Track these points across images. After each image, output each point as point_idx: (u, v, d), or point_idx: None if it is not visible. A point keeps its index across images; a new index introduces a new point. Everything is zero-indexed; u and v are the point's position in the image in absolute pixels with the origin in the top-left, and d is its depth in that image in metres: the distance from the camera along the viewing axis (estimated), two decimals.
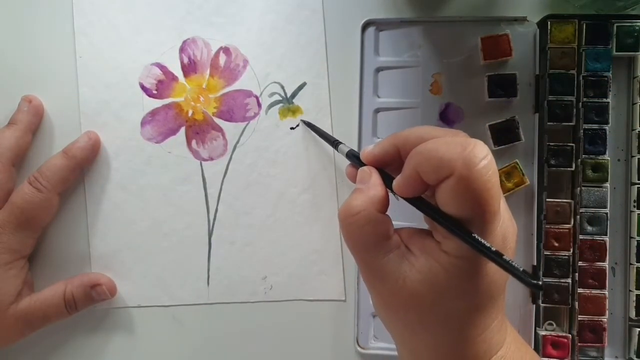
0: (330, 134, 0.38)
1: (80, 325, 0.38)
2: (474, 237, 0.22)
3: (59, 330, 0.38)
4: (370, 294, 0.27)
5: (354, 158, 0.29)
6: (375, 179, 0.26)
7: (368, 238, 0.25)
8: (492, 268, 0.24)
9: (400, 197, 0.25)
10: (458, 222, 0.23)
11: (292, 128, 0.39)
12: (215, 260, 0.39)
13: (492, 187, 0.22)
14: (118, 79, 0.39)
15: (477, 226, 0.23)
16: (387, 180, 0.26)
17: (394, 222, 0.26)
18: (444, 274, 0.24)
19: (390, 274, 0.25)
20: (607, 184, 0.35)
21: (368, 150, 0.27)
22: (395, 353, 0.37)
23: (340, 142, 0.33)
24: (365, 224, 0.25)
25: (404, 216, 0.29)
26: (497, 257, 0.21)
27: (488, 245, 0.22)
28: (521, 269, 0.21)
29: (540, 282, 0.20)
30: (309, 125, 0.38)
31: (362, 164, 0.28)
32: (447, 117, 0.38)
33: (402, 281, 0.24)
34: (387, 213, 0.26)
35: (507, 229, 0.24)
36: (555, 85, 0.35)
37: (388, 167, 0.27)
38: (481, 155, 0.22)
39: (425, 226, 0.27)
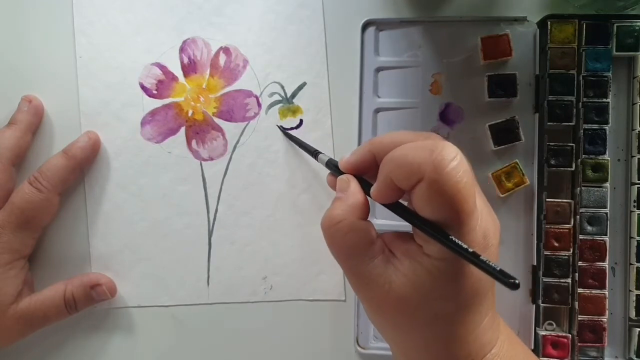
0: (331, 134, 0.38)
1: (80, 325, 0.38)
2: (451, 238, 0.22)
3: (59, 330, 0.38)
4: (360, 300, 0.27)
5: (333, 167, 0.29)
6: (353, 186, 0.26)
7: (352, 245, 0.25)
8: (475, 268, 0.24)
9: (379, 203, 0.25)
10: (435, 224, 0.23)
11: (292, 128, 0.39)
12: (215, 260, 0.39)
13: (463, 187, 0.22)
14: (118, 79, 0.39)
15: (454, 227, 0.23)
16: (366, 187, 0.26)
17: (382, 222, 0.26)
18: (428, 276, 0.24)
19: (376, 279, 0.25)
20: (607, 184, 0.35)
21: (345, 158, 0.28)
22: None
23: (320, 152, 0.33)
24: (347, 232, 0.25)
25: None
26: (473, 258, 0.21)
27: (465, 246, 0.22)
28: (498, 269, 0.21)
29: (516, 281, 0.20)
30: (288, 135, 0.38)
31: (342, 173, 0.28)
32: (447, 117, 0.38)
33: (388, 285, 0.24)
34: (371, 216, 0.26)
35: (487, 225, 0.24)
36: (555, 85, 0.35)
37: (366, 173, 0.27)
38: (450, 157, 0.22)
39: (410, 227, 0.27)
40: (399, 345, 0.27)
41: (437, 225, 0.23)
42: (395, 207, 0.25)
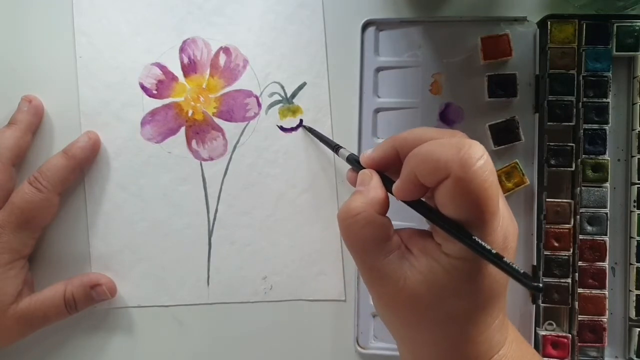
0: (331, 134, 0.38)
1: (80, 325, 0.38)
2: (474, 239, 0.22)
3: (59, 330, 0.38)
4: (371, 295, 0.27)
5: (355, 162, 0.29)
6: (375, 181, 0.26)
7: (368, 239, 0.25)
8: (493, 268, 0.24)
9: (401, 200, 0.25)
10: (458, 224, 0.23)
11: (292, 128, 0.39)
12: (215, 260, 0.39)
13: (489, 187, 0.22)
14: (118, 79, 0.39)
15: (477, 227, 0.23)
16: (388, 184, 0.26)
17: (394, 222, 0.26)
18: (445, 275, 0.24)
19: (390, 274, 0.25)
20: (607, 184, 0.35)
21: (367, 154, 0.28)
22: (395, 353, 0.37)
23: (341, 147, 0.33)
24: (364, 225, 0.25)
25: (404, 216, 0.29)
26: (497, 260, 0.21)
27: (488, 247, 0.22)
28: (522, 272, 0.21)
29: (540, 284, 0.20)
30: (309, 129, 0.38)
31: (362, 168, 0.28)
32: (447, 117, 0.38)
33: (403, 282, 0.24)
34: (387, 214, 0.26)
35: (507, 227, 0.24)
36: (555, 85, 0.35)
37: (388, 169, 0.27)
38: (477, 156, 0.22)
39: (426, 226, 0.27)
40: (407, 343, 0.27)
41: (460, 224, 0.23)
42: (416, 205, 0.25)
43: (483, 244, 0.22)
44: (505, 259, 0.21)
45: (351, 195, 0.26)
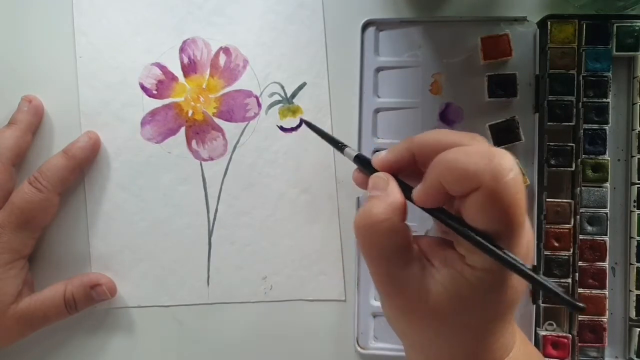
0: (331, 134, 0.38)
1: (80, 325, 0.38)
2: (506, 253, 0.21)
3: (59, 330, 0.38)
4: (385, 304, 0.26)
5: (364, 163, 0.28)
6: (393, 185, 0.25)
7: (390, 248, 0.24)
8: (516, 278, 0.23)
9: (420, 207, 0.24)
10: (484, 235, 0.22)
11: (292, 128, 0.39)
12: (215, 260, 0.39)
13: (520, 198, 0.21)
14: (118, 79, 0.39)
15: (505, 239, 0.22)
16: (404, 188, 0.25)
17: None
18: (469, 287, 0.23)
19: (410, 285, 0.24)
20: (607, 184, 0.35)
21: (381, 156, 0.26)
22: (395, 353, 0.37)
23: (347, 146, 0.31)
24: (386, 233, 0.24)
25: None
26: (534, 276, 0.21)
27: (521, 262, 0.21)
28: (561, 289, 0.20)
29: (582, 305, 0.19)
30: (310, 125, 0.37)
31: (372, 169, 0.27)
32: (446, 117, 0.38)
33: (425, 294, 0.24)
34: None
35: (529, 237, 0.24)
36: (555, 85, 0.35)
37: (401, 173, 0.26)
38: (509, 167, 0.21)
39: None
40: (417, 348, 0.27)
41: (487, 235, 0.22)
42: (439, 213, 0.24)
43: (517, 259, 0.21)
44: (541, 276, 0.21)
45: (368, 201, 0.25)
